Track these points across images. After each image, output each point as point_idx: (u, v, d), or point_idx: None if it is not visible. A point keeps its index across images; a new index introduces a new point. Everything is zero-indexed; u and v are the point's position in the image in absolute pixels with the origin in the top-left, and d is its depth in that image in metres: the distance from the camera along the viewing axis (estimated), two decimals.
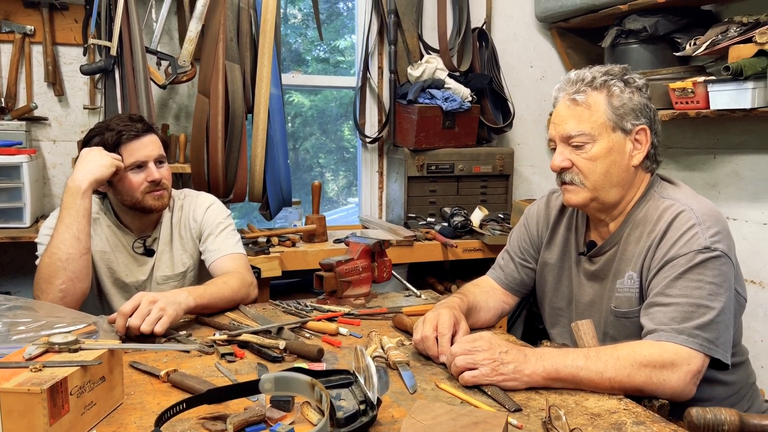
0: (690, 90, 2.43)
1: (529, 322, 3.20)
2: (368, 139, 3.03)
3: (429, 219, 2.86)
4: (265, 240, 2.45)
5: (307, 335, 1.42)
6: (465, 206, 2.90)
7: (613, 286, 1.37)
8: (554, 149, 1.41)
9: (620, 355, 1.13)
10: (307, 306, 1.65)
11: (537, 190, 3.32)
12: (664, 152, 3.02)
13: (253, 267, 2.26)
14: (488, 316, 1.52)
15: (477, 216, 2.78)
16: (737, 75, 2.19)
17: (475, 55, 3.03)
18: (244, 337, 1.33)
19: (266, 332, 1.39)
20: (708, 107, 2.39)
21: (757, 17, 2.33)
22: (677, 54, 2.60)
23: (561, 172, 1.38)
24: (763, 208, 2.57)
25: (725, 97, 2.30)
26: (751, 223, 2.63)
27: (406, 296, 1.80)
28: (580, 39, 3.23)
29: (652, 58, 2.72)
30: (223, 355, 1.28)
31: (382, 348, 1.30)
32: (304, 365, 1.20)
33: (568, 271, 1.49)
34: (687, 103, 2.47)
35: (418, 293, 1.80)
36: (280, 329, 1.41)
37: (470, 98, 2.90)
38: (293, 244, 2.47)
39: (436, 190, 2.91)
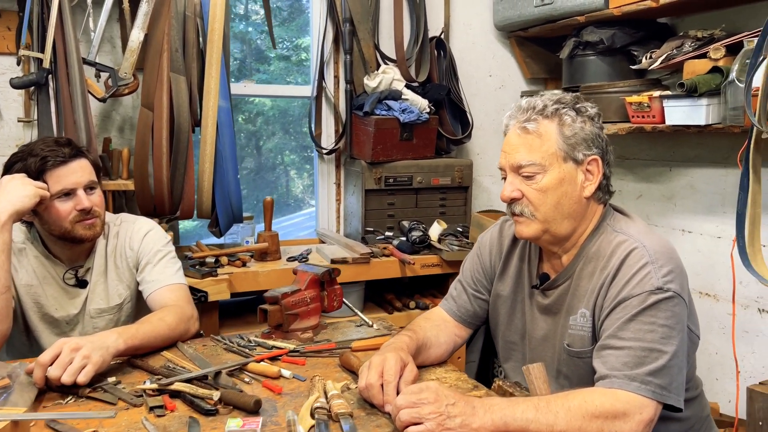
0: (646, 104, 2.42)
1: (488, 334, 3.17)
2: (324, 151, 2.94)
3: (387, 233, 2.79)
4: (213, 260, 2.34)
5: (247, 380, 1.34)
6: (424, 218, 2.85)
7: (566, 322, 1.32)
8: (505, 178, 1.36)
9: (571, 406, 1.08)
10: (250, 342, 1.56)
11: (496, 200, 3.28)
12: (622, 163, 3.03)
13: (199, 290, 2.17)
14: (440, 351, 1.46)
15: (435, 230, 2.72)
16: (692, 92, 2.18)
17: (433, 64, 2.97)
18: (176, 386, 1.24)
19: (203, 377, 1.30)
20: (663, 122, 2.38)
21: (711, 32, 2.33)
22: (633, 67, 2.59)
23: (511, 202, 1.33)
24: (717, 222, 2.58)
25: (680, 112, 2.29)
26: (705, 236, 2.64)
27: (358, 326, 1.73)
28: (538, 48, 3.20)
29: (609, 70, 2.70)
30: (151, 408, 1.18)
31: (326, 394, 1.23)
32: (239, 421, 1.11)
33: (521, 304, 1.44)
34: (643, 117, 2.46)
35: (370, 323, 1.73)
36: (218, 374, 1.32)
37: (428, 109, 2.84)
38: (244, 264, 2.37)
39: (394, 202, 2.85)
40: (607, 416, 1.08)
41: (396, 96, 2.77)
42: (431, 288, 2.81)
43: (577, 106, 1.31)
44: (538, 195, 1.28)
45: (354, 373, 1.36)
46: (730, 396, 2.50)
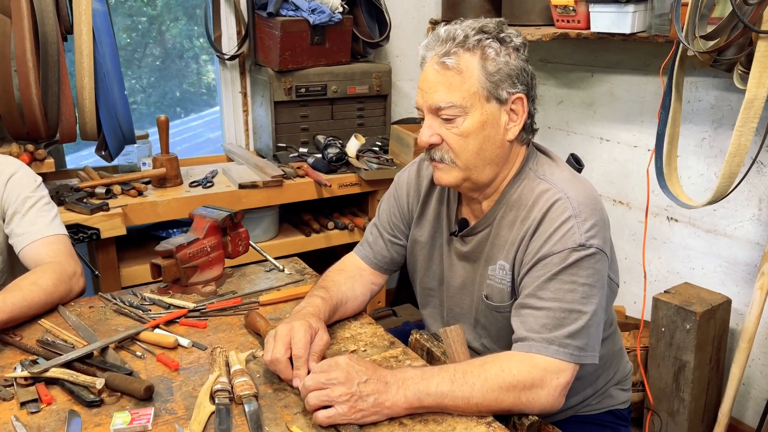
0: (572, 8, 2.27)
1: None
2: (226, 56, 2.63)
3: (302, 149, 2.60)
4: (104, 190, 2.09)
5: (139, 354, 1.20)
6: (340, 131, 2.67)
7: (485, 271, 1.25)
8: (423, 119, 1.21)
9: (488, 377, 1.03)
10: (145, 300, 1.41)
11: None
12: (544, 66, 2.91)
13: (89, 228, 1.95)
14: (356, 304, 1.36)
15: (353, 145, 2.56)
16: None
17: None
18: (53, 372, 1.09)
19: (87, 356, 1.15)
20: (588, 28, 2.26)
21: None
22: None
23: (430, 148, 1.19)
24: (634, 131, 2.56)
25: (606, 19, 2.17)
26: (622, 144, 2.63)
27: (267, 271, 1.60)
28: None
29: None
30: (23, 404, 1.03)
31: (228, 368, 1.12)
32: (126, 416, 0.99)
33: (440, 249, 1.35)
34: (568, 21, 2.32)
35: (281, 267, 1.60)
36: (104, 349, 1.17)
37: (341, 8, 2.55)
38: (140, 193, 2.14)
39: (307, 115, 2.63)
40: (524, 386, 1.04)
41: None
42: (350, 205, 2.69)
43: (501, 35, 1.16)
44: (458, 140, 1.15)
45: (261, 336, 1.25)
46: (636, 298, 2.63)
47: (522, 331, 1.10)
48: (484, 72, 1.13)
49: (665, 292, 2.22)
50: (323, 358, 1.13)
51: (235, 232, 1.54)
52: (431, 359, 1.24)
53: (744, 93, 2.09)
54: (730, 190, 1.69)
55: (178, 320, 1.32)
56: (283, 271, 1.59)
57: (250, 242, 1.60)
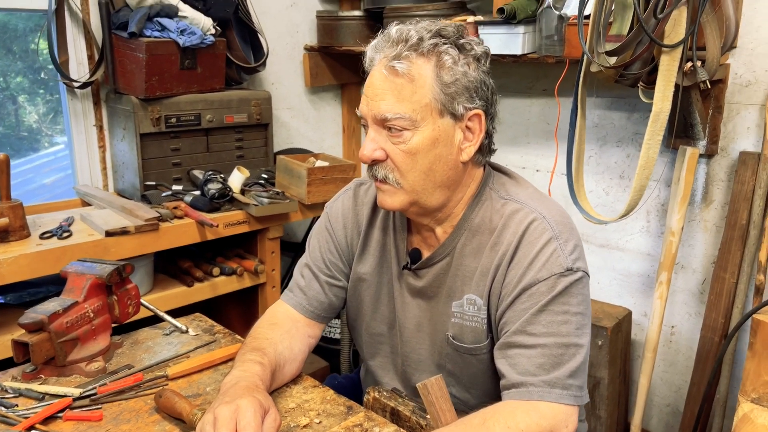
0: None
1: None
2: (76, 84, 2.24)
3: (175, 186, 2.27)
4: None
5: None
6: (219, 165, 2.39)
7: (447, 308, 1.09)
8: (366, 125, 1.04)
9: None
10: (7, 391, 1.04)
11: (296, 136, 2.94)
12: None
13: None
14: (295, 365, 1.12)
15: (237, 179, 2.29)
16: (510, 18, 2.05)
17: None
18: None
19: None
20: None
21: None
22: None
23: (373, 164, 1.02)
24: (521, 152, 2.60)
25: (497, 41, 2.16)
26: (511, 166, 2.62)
27: (167, 334, 1.29)
28: None
29: None
30: None
31: None
32: None
33: (388, 286, 1.17)
34: None
35: (184, 327, 1.30)
36: None
37: (213, 30, 2.30)
38: None
39: (179, 148, 2.31)
40: None
41: (171, 12, 2.19)
42: (235, 246, 2.40)
43: (461, 41, 1.03)
44: (405, 158, 1.00)
45: (183, 421, 0.96)
46: None
47: (514, 375, 0.95)
48: (438, 82, 0.99)
49: None
50: None
51: (123, 290, 1.22)
52: (397, 420, 1.04)
53: (638, 109, 2.19)
54: (642, 203, 1.72)
55: (60, 414, 0.98)
56: (187, 332, 1.29)
57: (141, 300, 1.28)
